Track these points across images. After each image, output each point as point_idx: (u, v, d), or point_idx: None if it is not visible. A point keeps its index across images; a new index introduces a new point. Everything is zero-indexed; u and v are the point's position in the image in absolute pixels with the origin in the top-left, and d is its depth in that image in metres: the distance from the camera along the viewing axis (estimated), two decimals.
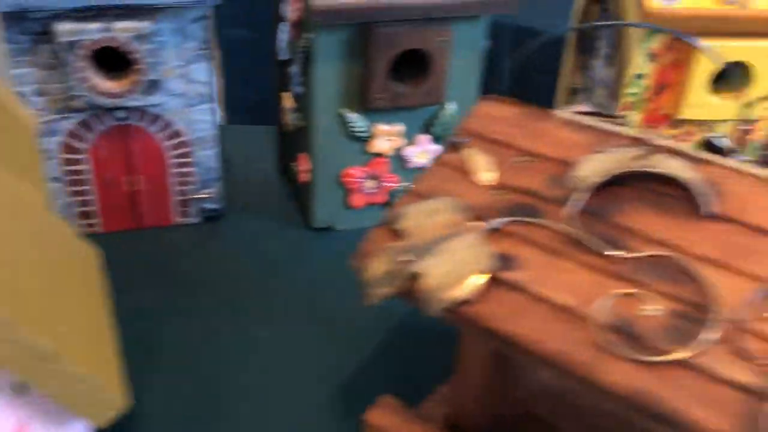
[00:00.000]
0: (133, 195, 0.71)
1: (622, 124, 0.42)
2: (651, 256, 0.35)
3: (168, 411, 0.54)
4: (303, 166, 0.73)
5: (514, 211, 0.39)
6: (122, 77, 0.64)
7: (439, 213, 0.39)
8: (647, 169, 0.37)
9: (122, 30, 0.60)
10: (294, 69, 0.68)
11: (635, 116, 0.67)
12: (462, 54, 0.67)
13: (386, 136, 0.70)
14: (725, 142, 0.41)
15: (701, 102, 0.65)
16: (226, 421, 0.54)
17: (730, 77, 0.66)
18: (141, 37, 0.61)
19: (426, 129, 0.71)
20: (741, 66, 0.64)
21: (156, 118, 0.67)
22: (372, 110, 0.67)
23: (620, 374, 0.32)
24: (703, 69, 0.63)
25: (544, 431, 0.45)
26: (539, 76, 0.89)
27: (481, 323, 0.35)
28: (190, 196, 0.73)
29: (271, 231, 0.75)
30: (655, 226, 0.36)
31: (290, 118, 0.74)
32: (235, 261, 0.71)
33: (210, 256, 0.71)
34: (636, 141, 0.40)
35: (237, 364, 0.59)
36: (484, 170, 0.41)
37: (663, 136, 0.40)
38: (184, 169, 0.71)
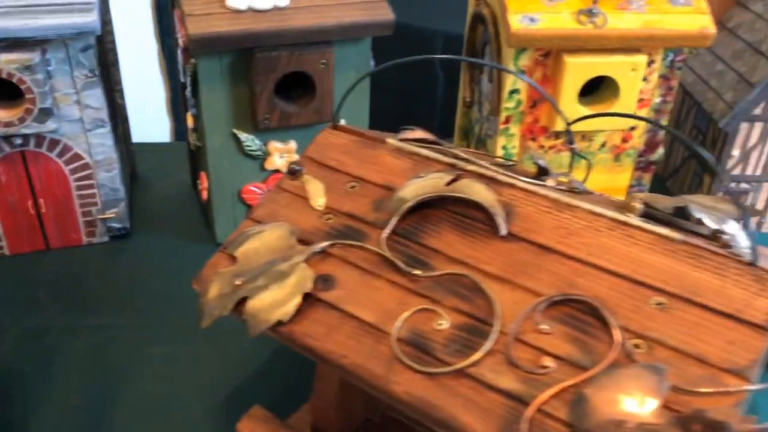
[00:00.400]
0: (39, 218, 0.73)
1: (447, 150, 0.45)
2: (447, 274, 0.38)
3: (56, 427, 0.57)
4: (203, 183, 0.76)
5: (339, 235, 0.42)
6: (15, 106, 0.66)
7: (272, 238, 0.42)
8: (452, 194, 0.40)
9: (8, 62, 0.63)
10: (188, 91, 0.71)
11: (515, 128, 0.71)
12: (348, 73, 0.70)
13: (281, 153, 0.73)
14: (542, 163, 0.45)
15: (572, 114, 0.68)
16: None
17: (601, 90, 0.69)
18: (28, 68, 0.63)
19: None
20: (607, 79, 0.67)
21: (55, 143, 0.70)
22: (263, 130, 0.70)
23: (408, 384, 0.35)
24: (571, 83, 0.66)
25: None
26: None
27: (298, 341, 0.38)
28: (96, 217, 0.75)
29: (178, 247, 0.78)
30: (456, 246, 0.39)
31: (191, 138, 0.77)
32: (139, 279, 0.73)
33: (115, 274, 0.74)
34: (450, 167, 0.43)
35: (127, 380, 0.61)
36: (318, 196, 0.44)
37: (479, 160, 0.44)
38: (87, 191, 0.74)
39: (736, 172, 0.77)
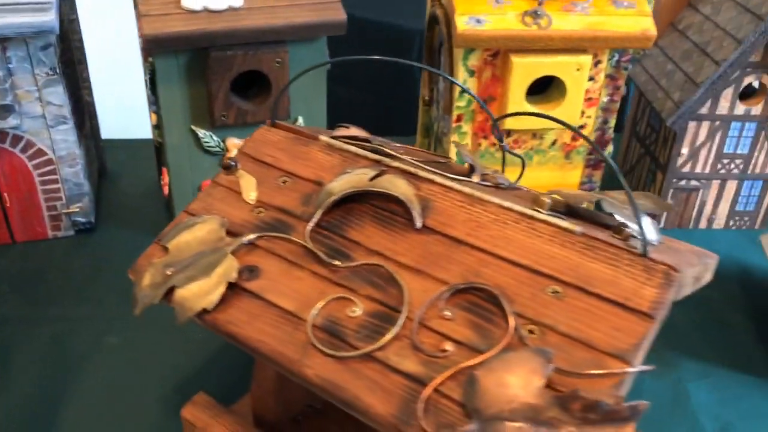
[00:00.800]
0: (3, 212, 0.75)
1: (376, 146, 0.47)
2: (365, 264, 0.40)
3: (9, 414, 0.59)
4: (165, 179, 0.78)
5: (268, 228, 0.44)
6: None
7: (203, 231, 0.44)
8: (373, 189, 0.42)
9: None
10: (148, 89, 0.72)
11: (467, 126, 0.73)
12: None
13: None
14: (469, 160, 0.47)
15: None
16: (64, 422, 0.58)
17: (550, 89, 0.71)
18: None
19: None
20: (555, 78, 0.69)
21: (18, 138, 0.71)
22: (221, 127, 0.72)
23: (319, 368, 0.37)
24: (518, 83, 0.68)
25: (343, 420, 0.51)
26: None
27: (221, 328, 0.40)
28: (61, 211, 0.77)
29: (141, 241, 0.78)
30: (375, 238, 0.41)
31: (154, 134, 0.78)
32: (100, 271, 0.75)
33: (78, 267, 0.76)
34: (375, 163, 0.45)
35: (83, 369, 0.63)
36: (250, 190, 0.46)
37: (408, 156, 0.46)
38: (52, 186, 0.75)
39: (686, 169, 0.79)
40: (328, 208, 0.43)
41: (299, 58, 0.71)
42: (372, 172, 0.44)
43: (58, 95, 0.70)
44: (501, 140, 0.51)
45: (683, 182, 0.80)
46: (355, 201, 0.43)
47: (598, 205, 0.44)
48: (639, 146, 0.86)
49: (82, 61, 0.84)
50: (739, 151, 0.78)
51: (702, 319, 0.72)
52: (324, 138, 0.48)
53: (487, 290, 0.37)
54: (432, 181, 0.43)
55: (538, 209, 0.41)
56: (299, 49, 0.70)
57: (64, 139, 0.73)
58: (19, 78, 0.68)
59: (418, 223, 0.41)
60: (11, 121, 0.69)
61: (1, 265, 0.75)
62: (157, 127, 0.76)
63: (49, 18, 0.65)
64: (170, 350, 0.66)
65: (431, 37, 0.80)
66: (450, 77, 0.52)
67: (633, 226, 0.40)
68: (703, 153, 0.78)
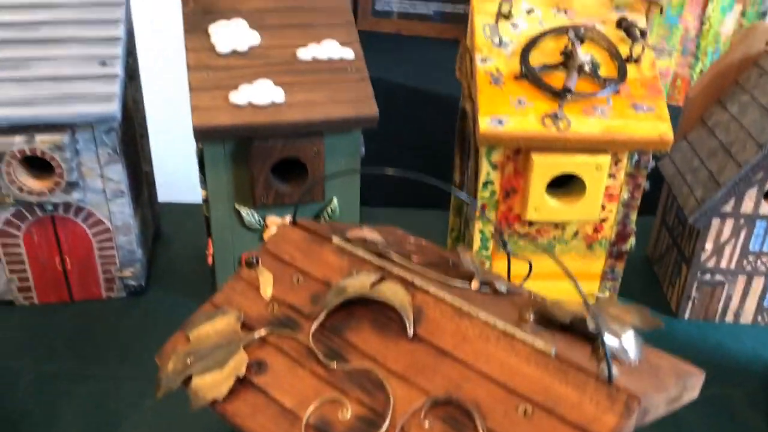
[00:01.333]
0: (64, 273, 0.83)
1: (381, 250, 0.51)
2: (357, 369, 0.44)
3: None
4: (210, 249, 0.84)
5: (279, 324, 0.49)
6: (47, 177, 0.76)
7: (221, 324, 0.49)
8: (371, 296, 0.46)
9: (43, 142, 0.73)
10: (198, 169, 0.79)
11: (491, 215, 0.76)
12: (339, 159, 0.77)
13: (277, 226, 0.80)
14: (470, 265, 0.50)
15: (541, 206, 0.73)
16: None
17: (571, 183, 0.74)
18: (59, 147, 0.73)
19: (314, 219, 0.81)
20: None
21: (80, 209, 0.79)
22: (261, 206, 0.78)
23: None
24: (538, 179, 0.72)
25: None
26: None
27: (229, 419, 0.45)
28: (114, 275, 0.84)
29: (185, 306, 0.85)
30: (371, 342, 0.45)
31: (204, 208, 0.85)
32: (145, 333, 0.81)
33: (125, 327, 0.82)
34: (379, 268, 0.49)
35: (121, 428, 0.69)
36: (267, 286, 0.51)
37: (414, 255, 0.50)
38: (107, 252, 0.83)
39: (711, 264, 0.80)
40: (332, 310, 0.47)
41: (335, 147, 0.76)
42: (374, 277, 0.48)
43: (117, 172, 0.78)
44: (505, 246, 0.55)
45: (708, 276, 0.81)
46: (356, 304, 0.48)
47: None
48: (668, 236, 0.88)
49: (144, 135, 0.92)
50: (765, 249, 0.79)
51: (718, 417, 0.72)
52: (336, 240, 0.52)
53: (463, 406, 0.40)
54: (427, 292, 0.47)
55: (523, 322, 0.44)
56: (335, 138, 0.76)
57: (121, 211, 0.80)
58: (85, 157, 0.76)
59: (410, 332, 0.45)
60: (75, 195, 0.77)
61: (58, 321, 0.83)
62: (206, 201, 0.83)
63: (113, 108, 0.72)
64: (205, 415, 0.71)
65: (463, 127, 0.84)
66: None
67: (613, 344, 0.43)
68: (727, 249, 0.79)
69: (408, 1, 1.69)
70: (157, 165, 0.97)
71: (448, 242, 0.94)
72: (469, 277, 0.51)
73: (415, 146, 1.45)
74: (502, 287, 0.51)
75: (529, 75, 0.72)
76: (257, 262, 0.52)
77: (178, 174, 1.20)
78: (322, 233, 0.54)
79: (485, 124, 0.70)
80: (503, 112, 0.70)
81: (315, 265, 0.51)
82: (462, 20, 1.65)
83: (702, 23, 1.34)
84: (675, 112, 0.76)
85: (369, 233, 0.54)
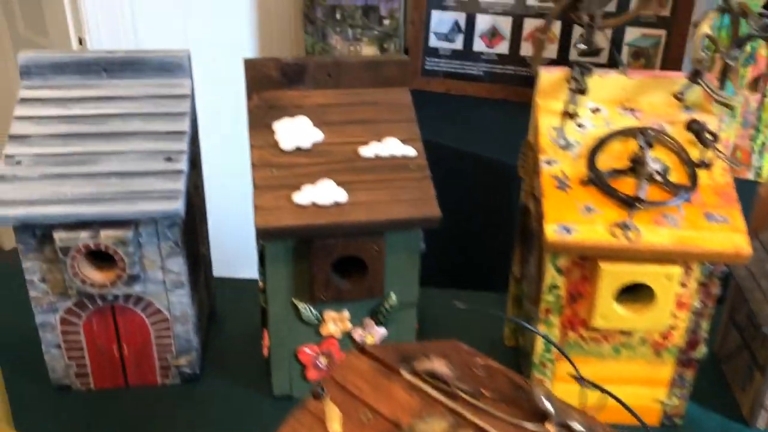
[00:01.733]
0: (121, 360, 0.83)
1: (454, 390, 0.50)
2: None
3: None
4: (265, 341, 0.83)
5: None
6: (109, 269, 0.76)
7: None
8: None
9: (107, 237, 0.73)
10: (258, 263, 0.79)
11: (555, 319, 0.74)
12: (399, 256, 0.76)
13: (335, 321, 0.79)
14: (546, 405, 0.48)
15: (609, 314, 0.71)
16: None
17: (640, 290, 0.72)
18: (123, 242, 0.74)
19: (371, 314, 0.80)
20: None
21: (140, 299, 0.80)
22: (319, 302, 0.77)
23: None
24: (605, 288, 0.69)
25: None
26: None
27: None
28: (170, 363, 0.84)
29: (238, 395, 0.85)
30: None
31: (260, 298, 0.85)
32: (198, 422, 0.81)
33: (179, 415, 0.82)
34: (450, 411, 0.48)
35: None
36: (334, 422, 0.50)
37: (480, 399, 0.48)
38: (165, 340, 0.83)
39: None
40: None
41: (395, 244, 0.75)
42: (446, 424, 0.46)
43: (178, 264, 0.78)
44: (580, 377, 0.53)
45: None
46: None
47: None
48: (737, 335, 0.84)
49: (203, 219, 0.93)
50: None
51: None
52: (405, 374, 0.51)
53: None
54: None
55: None
56: (396, 237, 0.75)
57: (180, 301, 0.81)
58: (147, 250, 0.77)
59: None
60: (137, 288, 0.77)
61: (114, 407, 0.83)
62: (263, 293, 0.83)
63: (177, 206, 0.73)
64: None
65: (524, 222, 0.83)
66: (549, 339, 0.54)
67: None
68: None
69: (457, 62, 1.70)
70: (213, 245, 0.98)
71: (506, 331, 0.92)
72: (543, 417, 0.49)
73: (463, 209, 1.43)
74: (579, 427, 0.49)
75: (597, 181, 0.70)
76: (324, 392, 0.51)
77: (232, 251, 1.21)
78: (390, 362, 0.52)
79: (552, 231, 0.68)
80: (570, 220, 0.69)
81: (384, 402, 0.50)
82: (510, 81, 1.65)
83: (764, 95, 1.31)
84: (738, 186, 0.72)
85: (438, 365, 0.52)
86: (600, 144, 0.73)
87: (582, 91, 0.74)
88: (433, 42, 1.72)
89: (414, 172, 0.76)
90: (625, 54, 1.55)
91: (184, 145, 0.78)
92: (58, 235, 0.73)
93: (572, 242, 0.68)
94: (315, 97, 0.81)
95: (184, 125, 0.79)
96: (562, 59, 1.62)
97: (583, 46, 0.74)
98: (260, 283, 0.83)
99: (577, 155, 0.73)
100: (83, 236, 0.73)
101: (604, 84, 0.77)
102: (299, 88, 0.81)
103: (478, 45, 1.69)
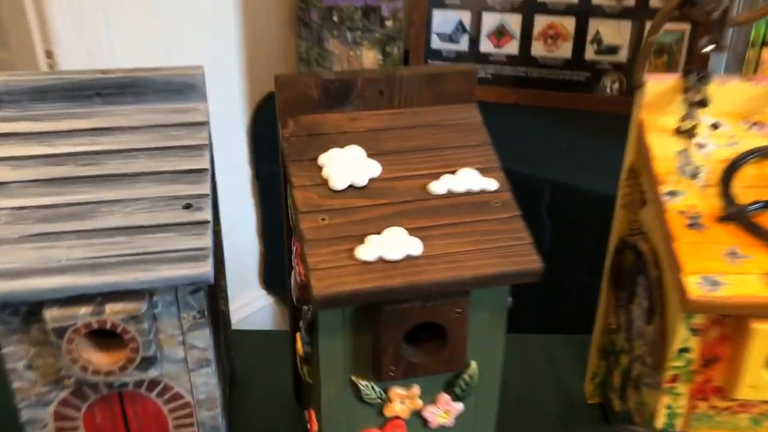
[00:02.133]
0: None
1: None
2: None
3: None
4: (312, 425, 0.67)
5: None
6: (116, 349, 0.60)
7: None
8: None
9: (114, 313, 0.57)
10: (302, 324, 0.63)
11: (683, 388, 0.60)
12: (483, 316, 0.61)
13: (402, 399, 0.64)
14: None
15: (759, 383, 0.57)
16: None
17: None
18: (134, 318, 0.57)
19: (447, 387, 0.64)
20: None
21: (155, 383, 0.63)
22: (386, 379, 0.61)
23: None
24: (756, 352, 0.55)
25: None
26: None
27: None
28: None
29: None
30: None
31: (301, 369, 0.69)
32: None
33: None
34: None
35: None
36: None
37: None
38: (187, 430, 0.66)
39: None
40: None
41: (479, 302, 0.60)
42: None
43: (203, 338, 0.62)
44: None
45: None
46: None
47: None
48: None
49: (222, 267, 0.76)
50: None
51: None
52: None
53: None
54: None
55: None
56: (480, 294, 0.59)
57: (205, 383, 0.64)
58: (164, 323, 0.60)
59: None
60: (152, 372, 0.60)
61: None
62: (307, 363, 0.67)
63: (205, 270, 0.56)
64: None
65: (620, 262, 0.68)
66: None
67: None
68: None
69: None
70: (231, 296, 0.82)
71: (589, 388, 0.77)
72: None
73: None
74: None
75: (738, 217, 0.56)
76: None
77: (230, 272, 1.04)
78: None
79: (694, 287, 0.53)
80: (715, 271, 0.54)
81: None
82: (522, 84, 1.52)
83: None
84: None
85: None
86: (731, 169, 0.59)
87: (704, 103, 0.60)
88: (436, 44, 1.58)
89: (499, 212, 0.61)
90: None
91: (205, 187, 0.61)
92: (51, 314, 0.56)
93: (721, 299, 0.53)
94: (365, 120, 0.65)
95: (204, 161, 0.63)
96: (577, 60, 1.49)
97: (710, 47, 0.60)
98: (300, 346, 0.68)
99: (704, 183, 0.59)
100: (83, 313, 0.56)
101: (724, 93, 0.63)
102: (345, 111, 0.65)
103: (485, 46, 1.55)
